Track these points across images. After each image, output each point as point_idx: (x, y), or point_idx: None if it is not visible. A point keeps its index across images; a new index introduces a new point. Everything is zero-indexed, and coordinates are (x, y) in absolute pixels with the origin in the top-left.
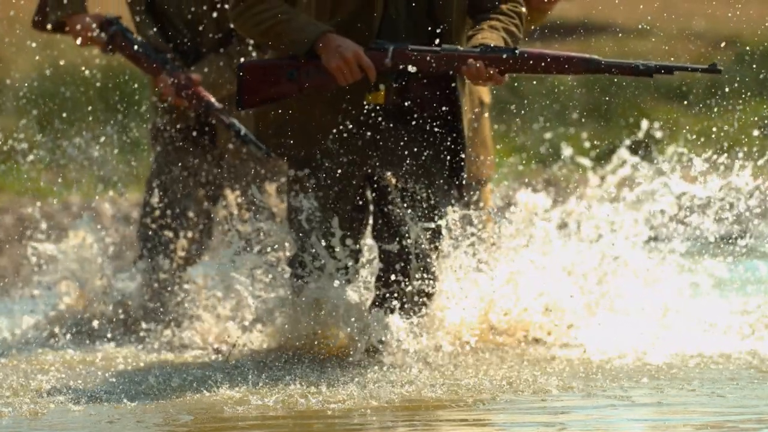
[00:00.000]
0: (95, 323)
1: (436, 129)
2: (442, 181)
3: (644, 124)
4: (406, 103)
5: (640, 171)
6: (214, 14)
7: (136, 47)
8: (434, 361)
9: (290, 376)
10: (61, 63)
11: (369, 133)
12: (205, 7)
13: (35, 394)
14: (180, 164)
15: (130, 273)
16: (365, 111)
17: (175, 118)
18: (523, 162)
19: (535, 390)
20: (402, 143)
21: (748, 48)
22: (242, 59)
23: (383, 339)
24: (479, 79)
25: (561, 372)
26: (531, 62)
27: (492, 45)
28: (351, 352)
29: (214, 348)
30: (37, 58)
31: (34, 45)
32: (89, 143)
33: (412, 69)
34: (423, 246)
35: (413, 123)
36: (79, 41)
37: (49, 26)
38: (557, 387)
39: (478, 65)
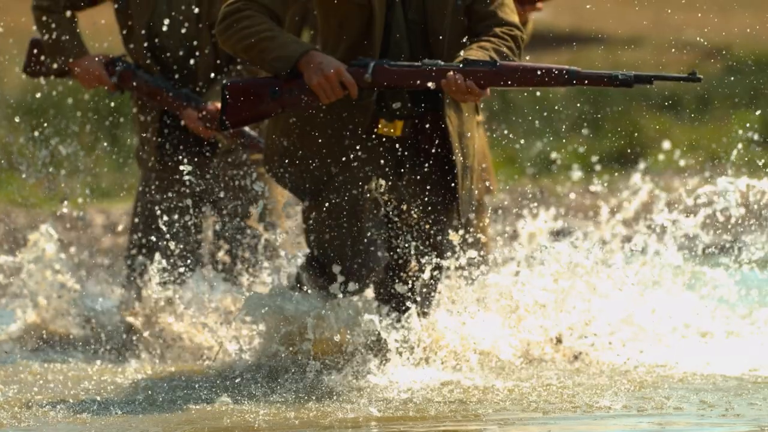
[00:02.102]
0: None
1: (437, 159)
2: (444, 210)
3: (666, 144)
4: (423, 132)
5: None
6: (198, 56)
7: (152, 83)
8: (439, 375)
9: (283, 386)
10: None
11: (381, 163)
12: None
13: (20, 406)
14: (164, 184)
15: (98, 290)
16: (374, 140)
17: (153, 132)
18: (520, 176)
19: (534, 404)
20: (415, 176)
21: (736, 59)
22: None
23: (381, 352)
24: (459, 92)
25: (563, 387)
26: (511, 75)
27: (472, 59)
28: (346, 362)
29: (201, 356)
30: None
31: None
32: (79, 153)
33: (431, 85)
34: (426, 282)
35: (430, 155)
36: (85, 84)
37: (48, 74)
38: (558, 401)
39: (457, 78)
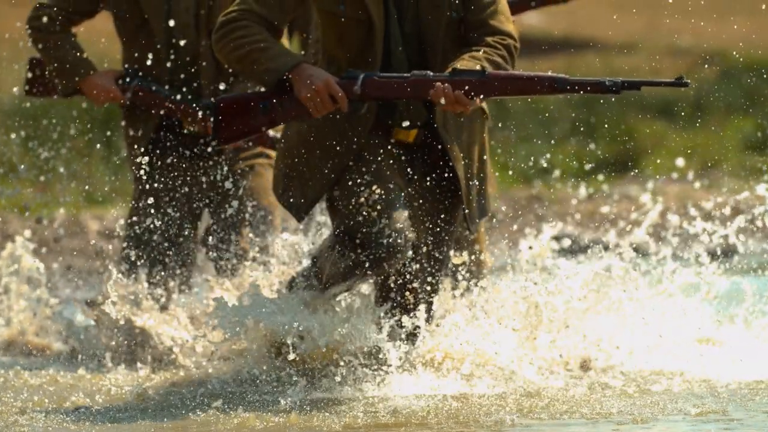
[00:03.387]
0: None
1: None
2: (449, 219)
3: (680, 161)
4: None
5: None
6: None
7: (168, 96)
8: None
9: (279, 392)
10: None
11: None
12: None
13: (9, 413)
14: (156, 196)
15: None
16: (381, 151)
17: (146, 146)
18: (516, 179)
19: (532, 410)
20: (422, 184)
21: (731, 64)
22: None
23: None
24: (447, 103)
25: (562, 393)
26: (499, 84)
27: (461, 69)
28: (341, 370)
29: (191, 363)
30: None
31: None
32: (74, 159)
33: (420, 97)
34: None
35: (435, 164)
36: (96, 101)
37: (52, 94)
38: (556, 408)
39: (445, 89)
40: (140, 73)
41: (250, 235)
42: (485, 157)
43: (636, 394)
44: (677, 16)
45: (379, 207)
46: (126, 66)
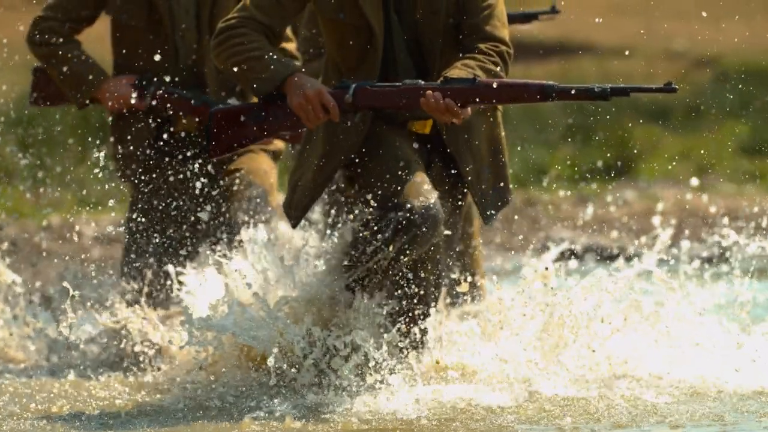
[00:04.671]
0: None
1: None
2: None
3: (693, 181)
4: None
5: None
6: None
7: (192, 100)
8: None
9: (274, 400)
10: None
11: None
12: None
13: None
14: (151, 206)
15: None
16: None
17: (139, 156)
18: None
19: (529, 416)
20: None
21: (726, 68)
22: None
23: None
24: (438, 111)
25: (558, 399)
26: (489, 92)
27: (452, 77)
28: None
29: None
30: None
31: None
32: (69, 164)
33: (412, 106)
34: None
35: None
36: (112, 108)
37: (59, 103)
38: (553, 413)
39: (436, 97)
40: (155, 78)
41: (239, 213)
42: (501, 147)
43: (632, 399)
44: (672, 20)
45: (406, 174)
46: (115, 70)
